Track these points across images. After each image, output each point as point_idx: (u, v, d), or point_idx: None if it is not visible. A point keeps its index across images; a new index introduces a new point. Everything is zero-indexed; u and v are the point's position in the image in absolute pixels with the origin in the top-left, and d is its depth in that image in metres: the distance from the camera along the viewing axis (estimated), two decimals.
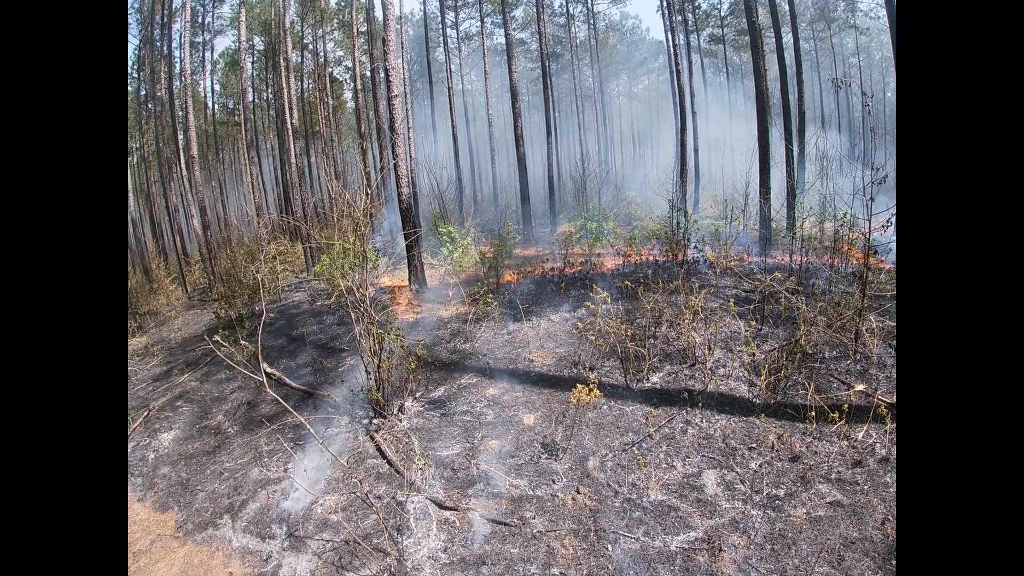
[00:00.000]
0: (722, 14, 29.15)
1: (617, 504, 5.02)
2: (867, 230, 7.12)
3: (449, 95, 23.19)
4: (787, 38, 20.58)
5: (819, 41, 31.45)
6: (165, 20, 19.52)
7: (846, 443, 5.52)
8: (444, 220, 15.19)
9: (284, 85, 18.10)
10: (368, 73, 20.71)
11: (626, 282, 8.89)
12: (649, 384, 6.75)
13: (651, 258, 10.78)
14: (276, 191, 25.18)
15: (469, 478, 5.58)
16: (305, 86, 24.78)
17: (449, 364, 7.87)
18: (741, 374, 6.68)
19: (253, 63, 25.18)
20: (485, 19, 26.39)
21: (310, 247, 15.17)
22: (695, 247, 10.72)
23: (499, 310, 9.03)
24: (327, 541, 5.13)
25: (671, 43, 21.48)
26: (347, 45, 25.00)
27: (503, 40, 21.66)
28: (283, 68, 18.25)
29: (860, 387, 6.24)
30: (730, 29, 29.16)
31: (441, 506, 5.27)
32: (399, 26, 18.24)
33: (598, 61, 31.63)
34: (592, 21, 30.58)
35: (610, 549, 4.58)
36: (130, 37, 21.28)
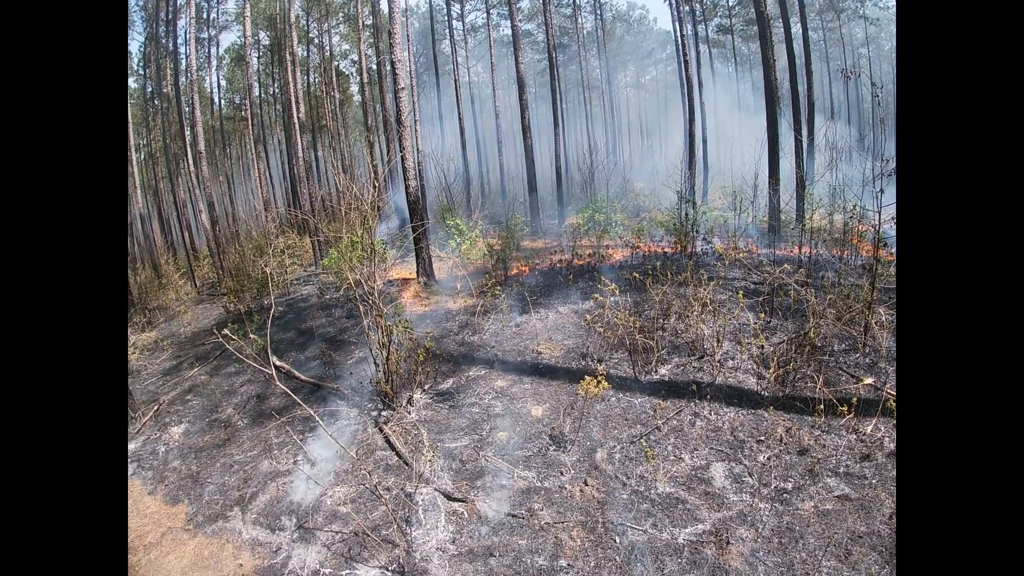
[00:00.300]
0: (730, 4, 28.83)
1: (625, 496, 5.03)
2: (877, 222, 7.05)
3: (456, 87, 23.11)
4: (796, 28, 20.36)
5: (828, 31, 31.04)
6: (170, 17, 19.57)
7: (855, 437, 5.49)
8: (452, 212, 15.17)
9: (290, 80, 18.11)
10: (374, 66, 20.70)
11: (634, 274, 8.87)
12: (657, 376, 6.73)
13: (659, 250, 10.73)
14: (284, 185, 25.26)
15: (477, 470, 5.60)
16: (311, 80, 24.78)
17: (457, 356, 7.90)
18: (750, 366, 6.65)
19: (259, 58, 25.18)
20: (491, 10, 26.23)
21: (318, 241, 15.23)
22: (704, 239, 10.65)
23: (507, 302, 9.05)
24: (336, 532, 5.17)
25: (679, 33, 21.30)
26: (353, 38, 24.96)
27: (509, 32, 21.57)
28: (289, 63, 18.26)
29: (869, 380, 6.20)
30: (738, 19, 28.84)
31: (450, 497, 5.30)
32: (404, 19, 18.17)
33: (605, 52, 31.39)
34: (599, 11, 30.35)
35: (618, 541, 4.59)
36: (135, 35, 21.35)
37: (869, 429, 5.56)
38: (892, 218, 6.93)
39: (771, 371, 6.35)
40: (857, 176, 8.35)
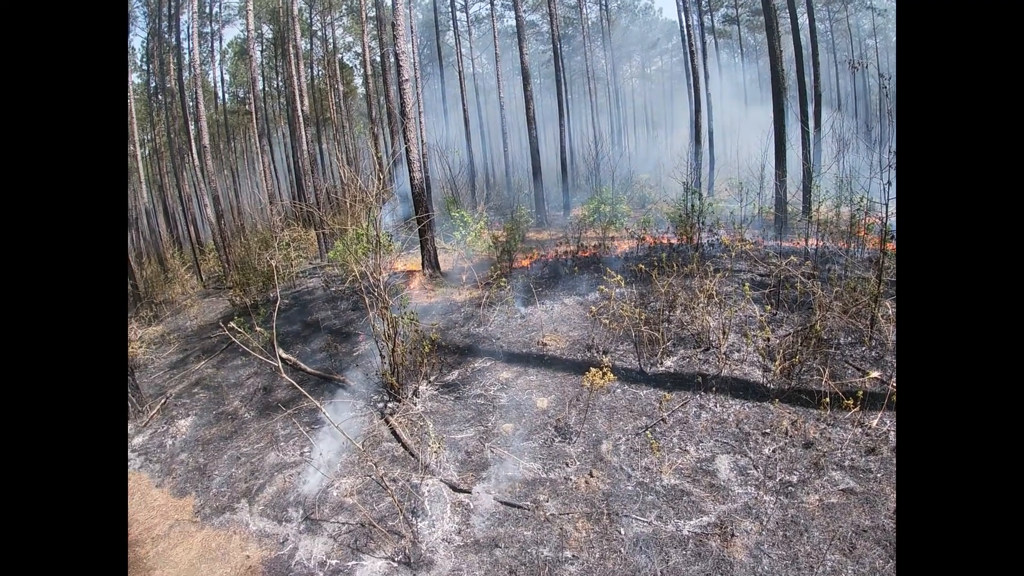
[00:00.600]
0: None
1: (630, 488, 5.04)
2: (884, 215, 7.00)
3: (460, 79, 23.01)
4: (802, 19, 20.15)
5: (835, 22, 30.73)
6: (172, 12, 19.52)
7: (860, 430, 5.48)
8: (456, 204, 15.14)
9: (294, 73, 18.06)
10: (378, 58, 20.62)
11: (640, 265, 8.85)
12: (663, 368, 6.72)
13: (665, 241, 10.69)
14: (288, 178, 25.25)
15: (483, 461, 5.62)
16: (315, 73, 24.71)
17: (463, 348, 7.91)
18: (755, 359, 6.63)
19: (262, 51, 25.12)
20: (495, 1, 26.07)
21: (323, 233, 15.24)
22: (710, 230, 10.60)
23: (512, 294, 9.05)
24: (343, 524, 5.21)
25: (684, 23, 21.11)
26: (356, 31, 24.86)
27: (513, 23, 21.44)
28: (292, 56, 18.20)
29: (875, 374, 6.17)
30: (744, 9, 28.59)
31: (455, 489, 5.33)
32: (408, 10, 18.11)
33: (610, 42, 31.19)
34: (603, 1, 30.14)
35: (622, 532, 4.61)
36: (138, 30, 21.35)
37: (875, 423, 5.55)
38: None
39: (777, 364, 6.32)
40: (864, 168, 8.27)
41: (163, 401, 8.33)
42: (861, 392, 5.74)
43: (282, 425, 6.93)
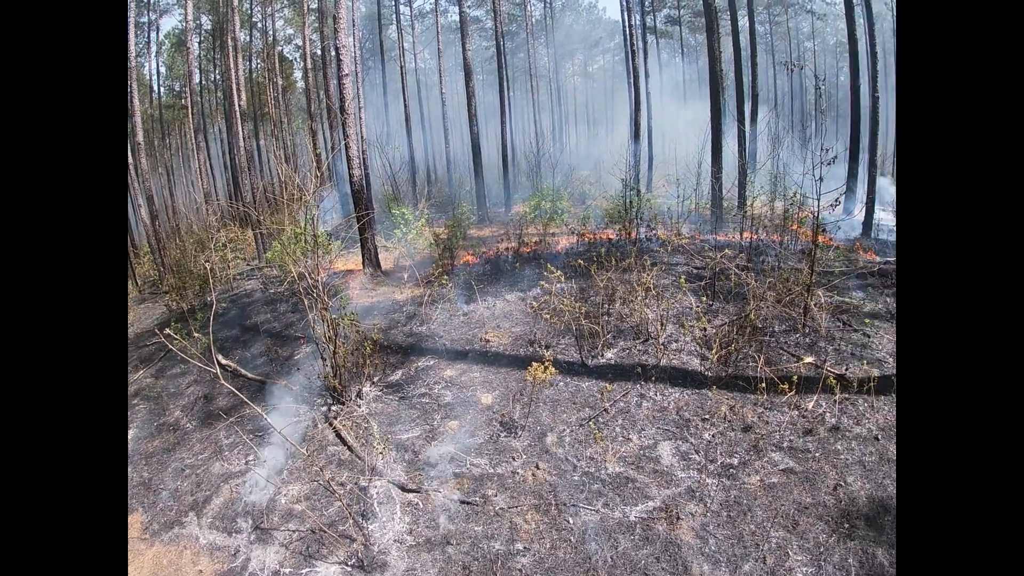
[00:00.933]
0: None
1: (576, 478, 5.13)
2: (816, 209, 7.35)
3: (402, 73, 22.68)
4: (743, 21, 20.89)
5: (775, 24, 32.05)
6: None
7: (796, 413, 5.74)
8: (397, 201, 14.93)
9: (232, 66, 17.33)
10: (319, 52, 20.07)
11: (579, 261, 8.97)
12: (604, 360, 6.85)
13: (605, 237, 10.86)
14: (225, 176, 24.24)
15: (430, 459, 5.60)
16: (254, 66, 23.82)
17: (406, 347, 7.83)
18: (693, 348, 6.85)
19: (200, 43, 24.01)
20: None
21: (261, 233, 14.74)
22: (648, 226, 10.86)
23: (454, 291, 9.02)
24: (293, 531, 5.10)
25: (626, 23, 21.50)
26: (297, 23, 24.07)
27: (457, 18, 21.33)
28: (231, 48, 17.46)
29: (809, 359, 6.49)
30: (687, 11, 29.34)
31: (404, 489, 5.29)
32: (351, 3, 17.64)
33: (553, 40, 31.46)
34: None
35: (571, 522, 4.70)
36: None
37: (811, 405, 5.83)
38: (831, 204, 7.24)
39: (714, 352, 6.56)
40: (798, 165, 8.64)
41: None
42: (796, 377, 6.03)
43: (225, 434, 6.69)
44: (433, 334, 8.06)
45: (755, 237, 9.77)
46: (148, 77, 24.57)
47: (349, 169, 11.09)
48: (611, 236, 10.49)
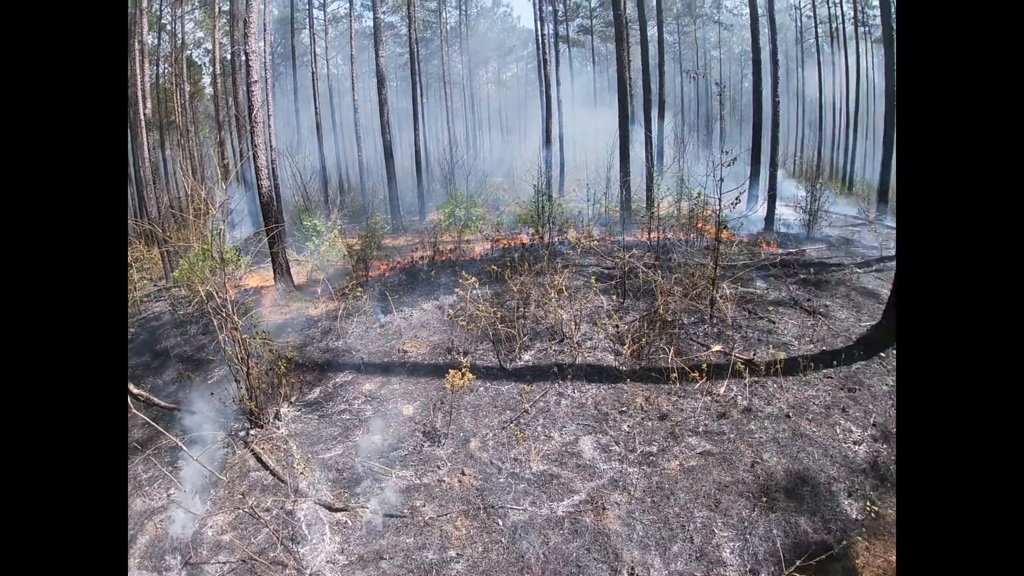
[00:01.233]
0: (592, 6, 30.33)
1: (502, 480, 5.21)
2: (718, 207, 7.85)
3: (314, 80, 22.02)
4: (652, 31, 21.92)
5: (683, 35, 33.82)
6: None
7: (709, 398, 6.10)
8: (309, 213, 14.47)
9: (138, 71, 16.14)
10: (228, 56, 19.16)
11: (492, 266, 9.06)
12: (522, 362, 7.00)
13: (519, 242, 11.02)
14: (129, 190, 22.58)
15: (355, 476, 5.51)
16: (160, 71, 22.28)
17: (322, 364, 7.63)
18: (607, 345, 7.13)
19: None
20: (355, 1, 25.32)
21: (168, 251, 13.84)
22: (559, 229, 11.15)
23: (370, 303, 8.88)
24: (224, 563, 4.86)
25: (539, 32, 22.00)
26: (208, 26, 22.79)
27: (372, 23, 20.99)
28: (137, 52, 16.25)
29: (717, 347, 6.93)
30: (599, 20, 30.33)
31: (331, 509, 5.17)
32: (262, 6, 16.92)
33: (468, 47, 31.63)
34: (464, 6, 30.51)
35: (501, 523, 4.76)
36: None
37: (722, 390, 6.21)
38: (731, 203, 7.75)
39: (627, 347, 6.87)
40: (703, 166, 9.16)
41: None
42: (706, 365, 6.41)
43: (143, 467, 6.24)
44: (350, 348, 7.90)
45: (662, 236, 10.28)
46: None
47: (257, 180, 10.63)
48: (525, 241, 10.68)
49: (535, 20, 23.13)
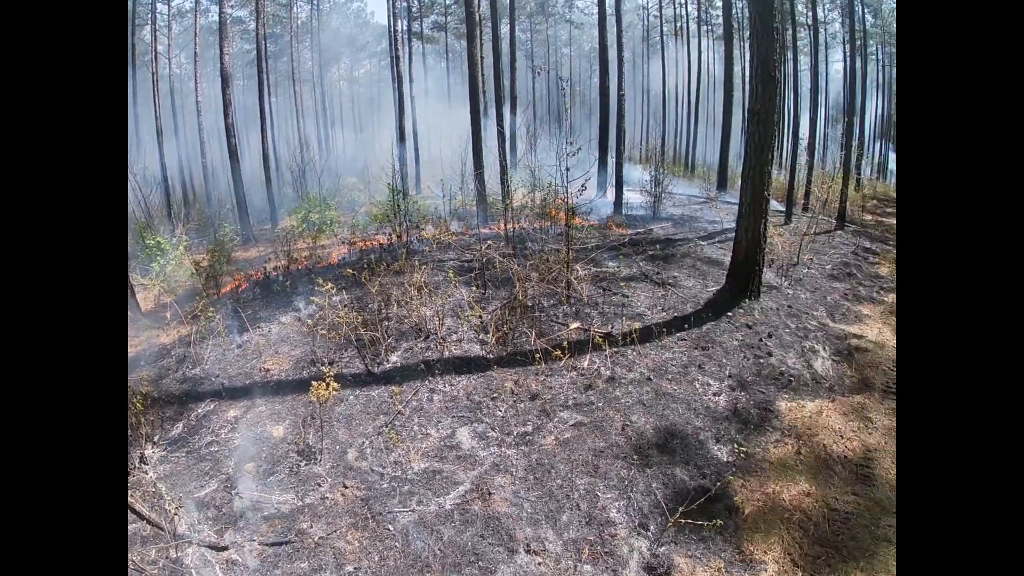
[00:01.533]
0: (447, 2, 30.44)
1: (386, 485, 5.27)
2: (566, 195, 8.44)
3: (154, 80, 20.06)
4: (505, 29, 22.52)
5: (536, 32, 35.04)
6: None
7: (575, 373, 6.57)
8: (151, 229, 13.31)
9: None
10: None
11: (349, 270, 8.98)
12: (390, 365, 7.02)
13: (377, 243, 10.95)
14: None
15: (236, 510, 5.32)
16: None
17: (181, 395, 7.15)
18: (472, 336, 7.40)
19: None
20: None
21: None
22: (417, 227, 11.32)
23: (224, 323, 8.40)
24: None
25: (392, 28, 21.78)
26: None
27: (218, 18, 19.44)
28: None
29: (575, 325, 7.51)
30: (453, 17, 30.53)
31: (217, 548, 4.96)
32: None
33: (319, 43, 30.49)
34: (316, 1, 29.33)
35: (392, 528, 4.81)
36: None
37: (586, 364, 6.72)
38: (579, 191, 8.37)
39: (491, 335, 7.21)
40: (553, 158, 9.74)
41: None
42: (567, 342, 6.91)
43: None
44: (208, 375, 7.44)
45: (518, 226, 10.79)
46: None
47: None
48: (383, 241, 10.69)
49: (388, 16, 22.86)
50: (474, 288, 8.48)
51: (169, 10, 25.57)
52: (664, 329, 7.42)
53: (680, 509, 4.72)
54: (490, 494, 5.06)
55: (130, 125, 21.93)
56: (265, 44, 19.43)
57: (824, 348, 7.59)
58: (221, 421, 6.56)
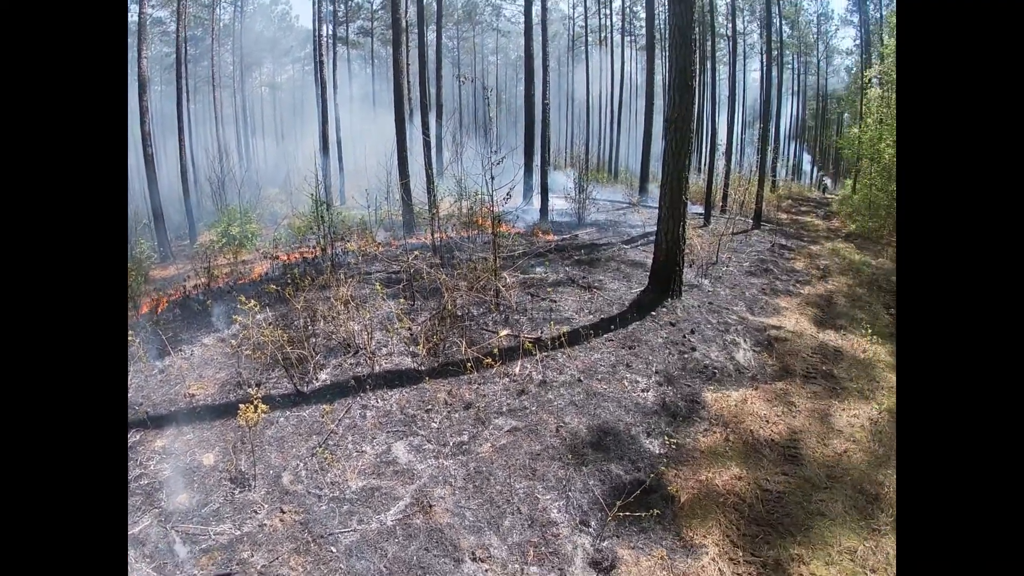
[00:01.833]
0: (373, 8, 29.92)
1: (324, 507, 5.21)
2: (491, 204, 8.60)
3: None
4: (432, 36, 22.40)
5: (462, 40, 35.06)
6: None
7: (507, 380, 6.72)
8: None
9: None
10: None
11: (272, 286, 8.80)
12: (320, 382, 6.92)
13: (300, 256, 10.74)
14: None
15: (171, 546, 5.11)
16: None
17: None
18: (403, 348, 7.42)
19: None
20: None
21: None
22: (341, 239, 11.17)
23: (143, 348, 8.01)
24: None
25: (317, 33, 21.27)
26: None
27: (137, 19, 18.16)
28: None
29: (505, 332, 7.68)
30: (379, 23, 30.07)
31: None
32: None
33: (241, 47, 29.26)
34: (239, 2, 28.07)
35: (334, 550, 4.76)
36: None
37: (517, 370, 6.88)
38: (504, 199, 8.56)
39: (422, 347, 7.25)
40: (479, 166, 9.88)
41: None
42: (498, 349, 7.07)
43: None
44: (131, 403, 7.05)
45: (445, 236, 10.88)
46: None
47: None
48: (307, 254, 10.49)
49: (314, 20, 22.30)
50: (402, 300, 8.47)
51: None
52: (592, 331, 7.72)
53: (618, 503, 4.92)
54: (431, 506, 5.10)
55: None
56: (186, 47, 18.48)
57: (745, 340, 8.12)
58: (148, 452, 6.26)
